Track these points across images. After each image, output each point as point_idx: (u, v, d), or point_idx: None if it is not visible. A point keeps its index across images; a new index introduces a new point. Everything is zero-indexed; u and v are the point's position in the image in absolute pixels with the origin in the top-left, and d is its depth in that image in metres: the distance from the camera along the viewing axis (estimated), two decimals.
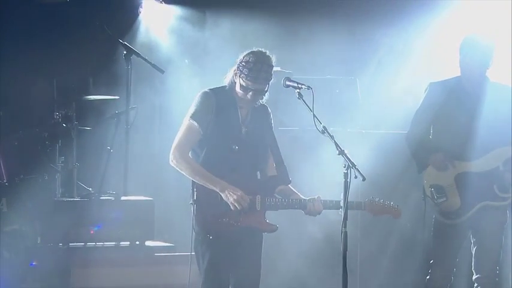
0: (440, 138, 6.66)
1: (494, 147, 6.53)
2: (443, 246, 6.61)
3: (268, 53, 5.90)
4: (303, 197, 6.00)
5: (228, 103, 5.92)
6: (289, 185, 6.05)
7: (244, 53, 5.89)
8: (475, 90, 6.59)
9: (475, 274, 6.61)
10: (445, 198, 6.56)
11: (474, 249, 6.64)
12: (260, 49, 5.90)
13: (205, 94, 5.92)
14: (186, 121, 5.89)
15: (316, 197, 5.94)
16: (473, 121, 6.51)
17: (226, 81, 5.96)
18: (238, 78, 5.86)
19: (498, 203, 6.54)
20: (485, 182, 6.53)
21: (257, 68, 5.82)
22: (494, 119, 6.51)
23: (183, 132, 5.87)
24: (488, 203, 6.52)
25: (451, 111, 6.60)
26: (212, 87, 5.97)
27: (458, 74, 6.69)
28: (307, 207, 5.94)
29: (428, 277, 6.70)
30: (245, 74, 5.82)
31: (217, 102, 5.88)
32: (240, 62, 5.85)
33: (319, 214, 5.95)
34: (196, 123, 5.84)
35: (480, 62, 6.53)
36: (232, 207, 5.79)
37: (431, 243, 6.70)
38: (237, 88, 5.89)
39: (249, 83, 5.83)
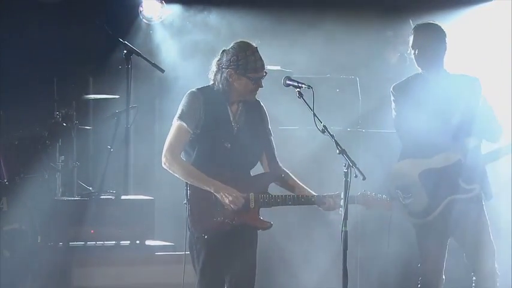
0: (402, 138, 6.62)
1: (454, 140, 6.43)
2: (424, 248, 6.54)
3: (247, 40, 5.91)
4: (313, 192, 5.99)
5: (216, 101, 5.89)
6: (298, 181, 6.06)
7: (233, 51, 5.84)
8: (434, 83, 6.53)
9: (473, 276, 6.56)
10: (412, 199, 6.47)
11: (463, 250, 6.57)
12: (242, 41, 5.89)
13: (192, 94, 5.90)
14: (174, 122, 5.86)
15: (336, 193, 5.90)
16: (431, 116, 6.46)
17: (214, 83, 5.93)
18: (239, 77, 5.83)
19: (465, 195, 6.44)
20: (449, 177, 6.44)
21: (256, 57, 5.84)
22: (450, 110, 6.43)
23: (173, 133, 5.85)
24: (455, 197, 6.43)
25: (407, 104, 6.54)
26: (199, 87, 5.95)
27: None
28: (326, 203, 5.93)
29: (419, 281, 6.66)
30: (249, 69, 5.81)
31: (205, 100, 5.85)
32: (237, 60, 5.81)
33: (337, 209, 5.92)
34: (184, 124, 5.81)
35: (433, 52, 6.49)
36: (228, 208, 5.78)
37: (418, 248, 6.65)
38: (240, 86, 5.86)
39: (256, 74, 5.83)
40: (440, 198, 6.44)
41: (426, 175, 6.45)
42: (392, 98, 6.58)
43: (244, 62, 5.82)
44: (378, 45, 9.79)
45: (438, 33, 6.51)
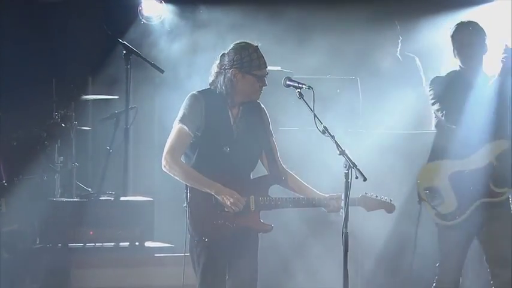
0: (439, 135, 6.61)
1: (485, 142, 6.45)
2: (446, 248, 6.54)
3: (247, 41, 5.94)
4: (318, 193, 5.98)
5: (217, 104, 5.89)
6: (303, 182, 6.05)
7: (234, 51, 5.85)
8: (473, 82, 6.54)
9: (491, 282, 6.51)
10: (441, 200, 6.48)
11: (485, 253, 6.54)
12: (242, 41, 5.91)
13: (193, 96, 5.89)
14: (175, 125, 5.86)
15: (338, 194, 5.88)
16: (466, 114, 6.44)
17: (213, 84, 5.93)
18: (244, 76, 5.82)
19: (495, 199, 6.44)
20: (480, 179, 6.43)
21: (258, 54, 5.86)
22: (486, 111, 6.43)
23: (174, 136, 5.84)
24: (485, 200, 6.42)
25: (445, 100, 6.52)
26: (200, 89, 5.95)
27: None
28: (330, 205, 5.92)
29: (435, 280, 6.63)
30: (253, 66, 5.82)
31: (206, 104, 5.85)
32: (241, 59, 5.81)
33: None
34: (186, 127, 5.81)
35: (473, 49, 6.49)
36: (229, 210, 5.77)
37: (439, 249, 6.61)
38: (245, 86, 5.85)
39: (260, 71, 5.85)
40: (469, 202, 6.43)
41: (456, 177, 6.45)
42: (431, 91, 6.58)
43: (249, 59, 5.83)
44: (378, 44, 9.77)
45: (483, 33, 6.53)
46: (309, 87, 5.74)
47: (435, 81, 6.65)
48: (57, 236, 7.91)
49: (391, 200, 6.07)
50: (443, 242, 6.56)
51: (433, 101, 6.59)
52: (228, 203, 5.76)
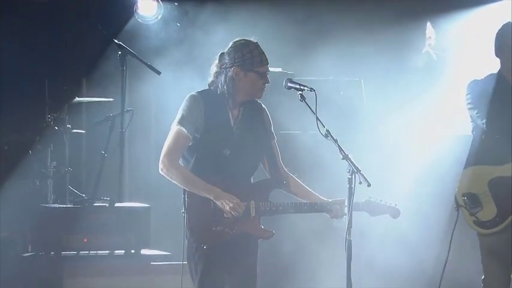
0: (477, 140, 6.59)
1: None
2: (489, 259, 6.48)
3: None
4: (321, 198, 6.00)
5: (217, 105, 5.91)
6: (305, 186, 6.08)
7: (234, 49, 5.87)
8: None
9: None
10: (480, 207, 6.43)
11: None
12: (241, 38, 5.94)
13: (192, 97, 5.91)
14: (173, 127, 5.87)
15: (342, 199, 5.89)
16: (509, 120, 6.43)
17: (213, 85, 5.95)
18: (246, 73, 5.84)
19: None
20: None
21: (259, 51, 5.90)
22: None
23: (172, 138, 5.86)
24: None
25: (484, 106, 6.48)
26: (199, 90, 5.97)
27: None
28: (333, 210, 5.94)
29: None
30: (256, 63, 5.85)
31: (205, 105, 5.87)
32: (242, 56, 5.84)
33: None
34: (184, 129, 5.82)
35: None
36: (228, 216, 5.79)
37: (481, 258, 6.55)
38: (248, 84, 5.87)
39: (263, 67, 5.88)
40: (509, 209, 6.40)
41: (496, 183, 6.41)
42: (468, 95, 6.57)
43: (250, 56, 5.86)
44: (384, 46, 9.81)
45: None
46: (311, 89, 5.75)
47: (472, 85, 6.60)
48: (50, 244, 7.92)
49: (396, 205, 6.08)
50: (486, 254, 6.50)
51: (470, 105, 6.58)
52: (228, 208, 5.78)
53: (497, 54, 6.55)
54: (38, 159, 8.55)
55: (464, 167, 6.58)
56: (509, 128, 6.36)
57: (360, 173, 5.46)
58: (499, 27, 6.58)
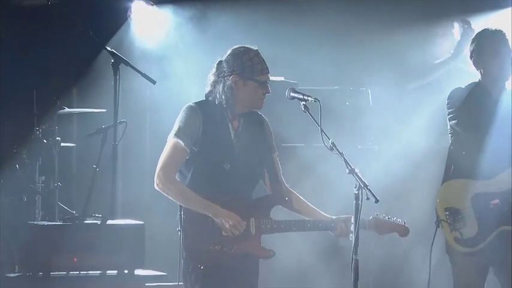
0: (459, 153, 6.63)
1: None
2: (463, 277, 6.50)
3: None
4: (326, 215, 6.00)
5: (216, 116, 5.92)
6: (308, 203, 6.07)
7: (233, 56, 5.88)
8: (496, 94, 6.57)
9: None
10: (462, 224, 6.45)
11: (501, 282, 6.54)
12: (240, 45, 5.95)
13: (190, 108, 5.91)
14: (170, 139, 5.87)
15: (347, 216, 5.90)
16: (492, 131, 6.46)
17: (210, 95, 5.96)
18: (245, 82, 5.85)
19: None
20: (503, 203, 6.39)
21: (260, 59, 5.91)
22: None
23: (168, 152, 5.86)
24: (507, 228, 6.38)
25: (466, 117, 6.56)
26: (197, 101, 5.97)
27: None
28: (337, 228, 5.94)
29: None
30: (256, 71, 5.86)
31: (204, 116, 5.88)
32: (241, 63, 5.85)
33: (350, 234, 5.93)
34: (181, 142, 5.83)
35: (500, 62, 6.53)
36: (228, 234, 5.79)
37: (453, 276, 6.61)
38: (247, 93, 5.87)
39: (263, 76, 5.88)
40: (491, 228, 6.40)
41: (479, 199, 6.43)
42: (448, 105, 6.61)
43: (250, 64, 5.87)
44: (390, 53, 9.82)
45: (509, 43, 6.56)
46: (315, 100, 5.75)
47: (454, 94, 6.67)
48: (38, 264, 7.92)
49: (404, 222, 6.08)
50: (459, 271, 6.53)
51: (450, 115, 6.62)
52: (227, 225, 5.77)
53: (477, 63, 6.58)
54: (26, 173, 8.55)
55: (444, 180, 6.58)
56: (493, 141, 6.38)
57: (367, 189, 5.43)
58: (478, 36, 6.62)
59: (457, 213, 6.46)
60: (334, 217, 5.99)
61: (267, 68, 5.93)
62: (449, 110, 6.61)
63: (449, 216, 6.47)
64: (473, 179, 6.46)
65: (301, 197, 6.12)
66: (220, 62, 5.95)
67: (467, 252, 6.45)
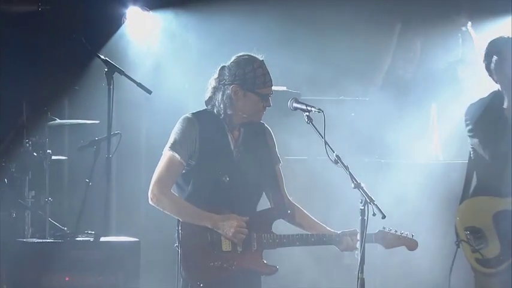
0: (480, 169, 6.65)
1: None
2: None
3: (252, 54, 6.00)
4: (330, 230, 6.04)
5: (215, 127, 5.97)
6: (311, 215, 6.11)
7: (237, 65, 5.93)
8: None
9: None
10: (484, 244, 6.48)
11: None
12: (246, 54, 5.99)
13: (186, 120, 5.95)
14: (165, 152, 5.91)
15: (352, 230, 5.95)
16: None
17: (210, 102, 6.00)
18: (245, 93, 5.89)
19: None
20: None
21: (264, 70, 5.94)
22: None
23: (163, 165, 5.90)
24: None
25: (486, 134, 6.62)
26: (194, 111, 6.01)
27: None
28: (343, 243, 5.97)
29: None
30: (258, 83, 5.89)
31: (201, 127, 5.92)
32: (243, 74, 5.89)
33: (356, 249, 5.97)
34: (177, 155, 5.88)
35: None
36: (233, 240, 5.80)
37: None
38: (246, 105, 5.91)
39: (265, 89, 5.92)
40: None
41: (502, 217, 6.45)
42: (466, 122, 6.64)
43: (253, 75, 5.91)
44: (397, 63, 9.87)
45: None
46: (319, 110, 5.78)
47: (471, 109, 6.67)
48: (28, 283, 7.91)
49: (412, 235, 6.10)
50: None
51: (470, 133, 6.64)
52: (230, 234, 5.81)
53: (498, 72, 6.58)
54: (15, 188, 8.57)
55: (463, 197, 6.60)
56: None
57: (374, 204, 5.45)
58: (494, 43, 6.63)
59: (478, 232, 6.49)
60: (338, 231, 6.01)
61: (270, 80, 5.96)
62: (468, 128, 6.62)
63: (469, 235, 6.49)
64: (495, 196, 6.49)
65: (304, 211, 6.15)
66: (223, 67, 5.99)
67: (489, 273, 6.48)
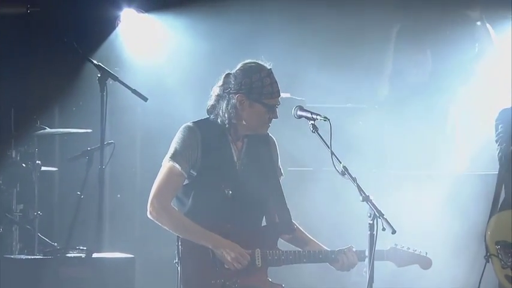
0: (507, 180, 6.64)
1: None
2: None
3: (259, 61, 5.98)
4: (325, 247, 6.03)
5: (217, 137, 5.96)
6: (306, 233, 6.09)
7: (243, 73, 5.91)
8: None
9: None
10: None
11: None
12: (252, 61, 5.97)
13: (187, 129, 5.95)
14: (165, 163, 5.90)
15: (348, 246, 5.95)
16: None
17: (213, 111, 5.99)
18: (251, 103, 5.88)
19: None
20: None
21: (271, 80, 5.92)
22: None
23: (163, 176, 5.89)
24: None
25: None
26: (196, 120, 6.00)
27: None
28: (339, 261, 5.96)
29: None
30: (265, 93, 5.88)
31: (203, 137, 5.91)
32: (250, 83, 5.87)
33: (353, 267, 5.95)
34: (178, 165, 5.86)
35: None
36: (230, 267, 5.81)
37: None
38: (252, 116, 5.90)
39: (272, 100, 5.90)
40: None
41: None
42: (496, 128, 6.66)
43: (260, 84, 5.89)
44: (407, 68, 9.89)
45: None
46: (325, 119, 5.77)
47: (503, 114, 6.69)
48: None
49: (426, 253, 6.09)
50: None
51: (500, 141, 6.65)
52: (229, 258, 5.79)
53: None
54: (2, 201, 8.57)
55: (493, 210, 6.59)
56: None
57: (383, 218, 5.42)
58: None
59: (509, 247, 6.49)
60: (336, 249, 5.99)
61: (278, 91, 5.94)
62: (499, 136, 6.63)
63: (500, 250, 6.48)
64: None
65: (300, 227, 6.13)
66: (228, 75, 5.97)
67: None
